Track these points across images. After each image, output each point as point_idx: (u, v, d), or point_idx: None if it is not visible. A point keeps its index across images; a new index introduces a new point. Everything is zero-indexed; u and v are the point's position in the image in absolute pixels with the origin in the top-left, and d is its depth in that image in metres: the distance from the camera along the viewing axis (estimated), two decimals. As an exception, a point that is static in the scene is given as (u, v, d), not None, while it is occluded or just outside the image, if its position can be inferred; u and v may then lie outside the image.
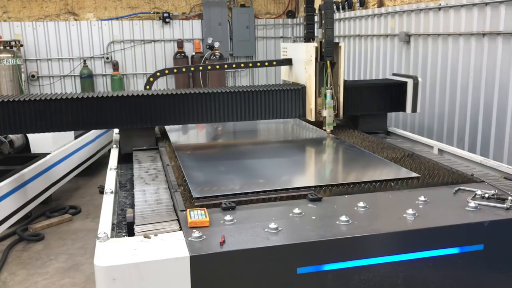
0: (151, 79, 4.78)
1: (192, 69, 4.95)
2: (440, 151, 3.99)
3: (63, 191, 7.04)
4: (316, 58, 4.21)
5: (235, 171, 3.29)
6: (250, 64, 5.35)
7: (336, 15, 8.53)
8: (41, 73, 10.11)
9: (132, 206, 2.73)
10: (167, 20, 10.40)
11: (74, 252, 5.16)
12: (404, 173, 3.08)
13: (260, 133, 4.94)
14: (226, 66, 5.10)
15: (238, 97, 4.19)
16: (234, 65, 5.18)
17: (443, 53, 5.90)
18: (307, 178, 3.29)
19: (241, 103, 4.20)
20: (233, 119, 4.21)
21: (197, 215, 2.30)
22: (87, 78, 10.04)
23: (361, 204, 2.47)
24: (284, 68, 5.02)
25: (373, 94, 4.60)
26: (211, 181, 3.00)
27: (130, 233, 2.35)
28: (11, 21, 9.91)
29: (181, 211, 2.46)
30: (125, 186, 3.39)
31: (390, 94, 4.63)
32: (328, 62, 4.18)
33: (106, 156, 6.32)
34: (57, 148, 6.39)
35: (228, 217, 2.31)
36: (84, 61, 10.15)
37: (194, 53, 10.33)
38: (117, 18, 10.37)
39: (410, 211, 2.34)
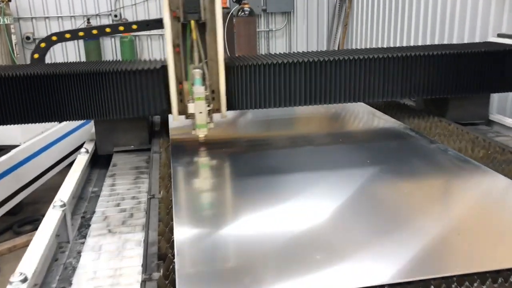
0: (42, 44, 3.67)
1: (82, 33, 3.90)
2: None
3: (41, 195, 5.51)
4: (177, 16, 2.63)
5: (272, 222, 1.98)
6: (121, 28, 3.96)
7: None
8: (37, 34, 8.96)
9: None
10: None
11: None
12: None
13: (302, 124, 3.55)
14: (95, 31, 4.08)
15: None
16: (108, 29, 4.00)
17: None
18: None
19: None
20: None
21: None
22: (92, 40, 8.78)
23: None
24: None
25: (473, 66, 3.25)
26: (222, 255, 1.74)
27: None
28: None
29: None
30: (82, 228, 2.26)
31: (494, 66, 3.28)
32: (192, 22, 2.59)
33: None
34: (29, 138, 5.02)
35: None
36: (88, 19, 8.93)
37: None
38: (126, -33, 9.04)
39: None
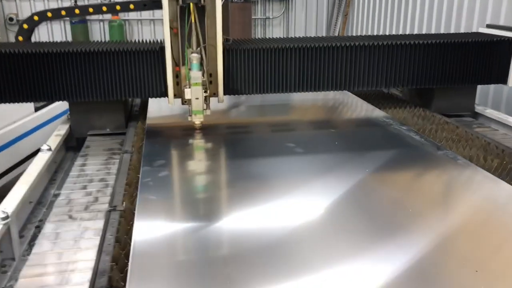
0: (25, 25, 3.48)
1: (64, 12, 3.69)
2: None
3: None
4: None
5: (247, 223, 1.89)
6: (104, 8, 3.81)
7: None
8: (21, 15, 8.57)
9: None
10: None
11: None
12: None
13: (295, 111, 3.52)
14: (77, 11, 3.85)
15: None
16: (91, 9, 3.76)
17: None
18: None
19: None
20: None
21: None
22: (79, 24, 8.52)
23: None
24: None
25: (459, 57, 3.19)
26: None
27: None
28: None
29: None
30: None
31: (483, 57, 3.22)
32: (191, 4, 2.52)
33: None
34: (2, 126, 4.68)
35: None
36: (75, 0, 8.53)
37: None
38: None
39: None
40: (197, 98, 2.64)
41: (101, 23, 8.89)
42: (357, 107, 3.49)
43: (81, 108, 2.99)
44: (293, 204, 2.01)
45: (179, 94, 2.75)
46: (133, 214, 1.89)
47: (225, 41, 2.77)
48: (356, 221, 1.84)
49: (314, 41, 3.08)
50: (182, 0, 2.50)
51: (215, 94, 2.78)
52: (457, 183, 2.26)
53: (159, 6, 2.66)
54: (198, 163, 2.52)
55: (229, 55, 2.84)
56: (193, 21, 2.54)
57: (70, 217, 2.03)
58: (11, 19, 8.51)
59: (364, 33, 7.32)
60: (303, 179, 2.25)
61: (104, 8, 3.73)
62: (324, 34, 8.84)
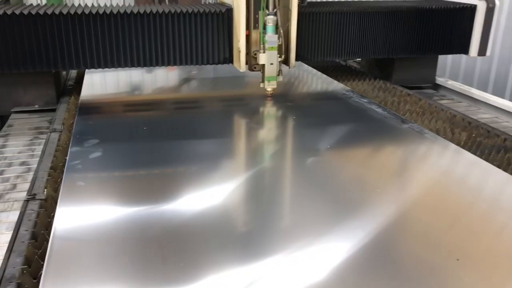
0: None
1: None
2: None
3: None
4: None
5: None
6: None
7: None
8: None
9: None
10: None
11: None
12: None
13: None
14: None
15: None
16: None
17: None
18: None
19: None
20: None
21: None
22: None
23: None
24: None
25: (414, 25, 2.99)
26: None
27: None
28: None
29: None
30: None
31: (445, 26, 3.04)
32: None
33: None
34: None
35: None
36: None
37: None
38: None
39: None
40: (271, 64, 2.44)
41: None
42: (313, 80, 3.25)
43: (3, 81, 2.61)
44: (248, 183, 1.79)
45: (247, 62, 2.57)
46: (55, 203, 1.57)
47: (301, 2, 2.60)
48: (316, 198, 1.68)
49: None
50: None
51: (285, 62, 2.61)
52: (423, 156, 2.07)
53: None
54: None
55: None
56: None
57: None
58: None
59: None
60: (258, 158, 2.01)
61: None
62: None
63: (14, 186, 1.87)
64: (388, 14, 2.92)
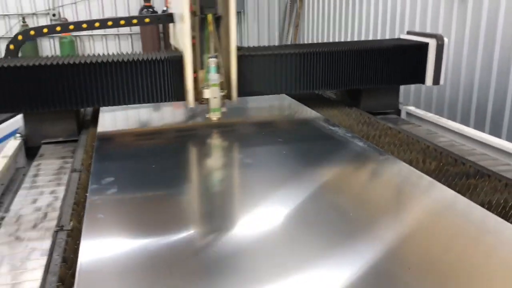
0: (12, 46, 3.52)
1: (59, 28, 3.75)
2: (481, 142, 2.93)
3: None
4: (193, 11, 2.91)
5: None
6: (97, 24, 3.92)
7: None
8: None
9: None
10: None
11: None
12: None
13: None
14: (71, 27, 3.93)
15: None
16: (84, 25, 3.82)
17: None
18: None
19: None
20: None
21: None
22: (29, 41, 8.30)
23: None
24: (171, 29, 3.85)
25: (380, 61, 3.50)
26: None
27: None
28: None
29: None
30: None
31: (404, 60, 3.55)
32: (209, 15, 2.88)
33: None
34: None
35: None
36: (23, 18, 8.55)
37: (165, 8, 8.61)
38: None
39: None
40: (215, 97, 2.94)
41: (52, 40, 8.88)
42: (295, 110, 3.68)
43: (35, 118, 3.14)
44: (234, 215, 2.01)
45: (196, 97, 3.04)
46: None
47: (239, 48, 3.11)
48: (301, 232, 1.79)
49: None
50: (201, 12, 2.84)
51: (227, 96, 3.07)
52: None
53: (171, 20, 3.18)
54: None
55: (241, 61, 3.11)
56: (211, 30, 2.88)
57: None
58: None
59: (313, 41, 7.81)
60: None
61: (97, 24, 3.75)
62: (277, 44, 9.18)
63: (44, 217, 2.16)
64: (332, 53, 3.39)
